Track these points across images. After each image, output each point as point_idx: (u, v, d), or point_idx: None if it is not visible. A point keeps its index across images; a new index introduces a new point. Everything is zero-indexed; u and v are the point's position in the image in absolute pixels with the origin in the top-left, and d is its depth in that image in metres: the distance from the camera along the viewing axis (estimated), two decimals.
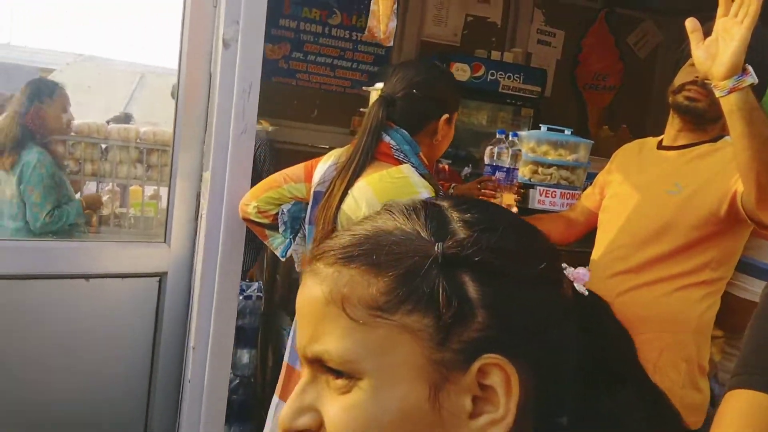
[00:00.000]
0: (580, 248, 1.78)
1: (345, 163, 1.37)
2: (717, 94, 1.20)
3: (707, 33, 1.22)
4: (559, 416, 0.48)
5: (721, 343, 1.62)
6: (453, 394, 0.44)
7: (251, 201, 1.54)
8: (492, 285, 0.45)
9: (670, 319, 1.45)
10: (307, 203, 1.49)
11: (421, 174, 1.34)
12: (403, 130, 1.40)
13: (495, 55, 3.74)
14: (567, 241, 1.86)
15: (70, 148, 2.89)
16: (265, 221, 1.54)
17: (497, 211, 0.52)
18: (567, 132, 2.18)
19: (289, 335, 1.53)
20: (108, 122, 3.08)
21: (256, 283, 2.10)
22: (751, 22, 1.15)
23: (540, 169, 2.16)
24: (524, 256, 0.48)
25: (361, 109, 3.28)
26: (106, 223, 3.04)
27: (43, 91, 2.58)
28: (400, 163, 1.36)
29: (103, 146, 3.01)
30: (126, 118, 3.26)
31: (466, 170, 2.96)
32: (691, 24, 1.23)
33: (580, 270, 0.52)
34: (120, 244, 2.14)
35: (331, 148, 1.54)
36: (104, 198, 3.06)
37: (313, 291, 0.47)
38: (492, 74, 3.63)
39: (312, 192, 1.47)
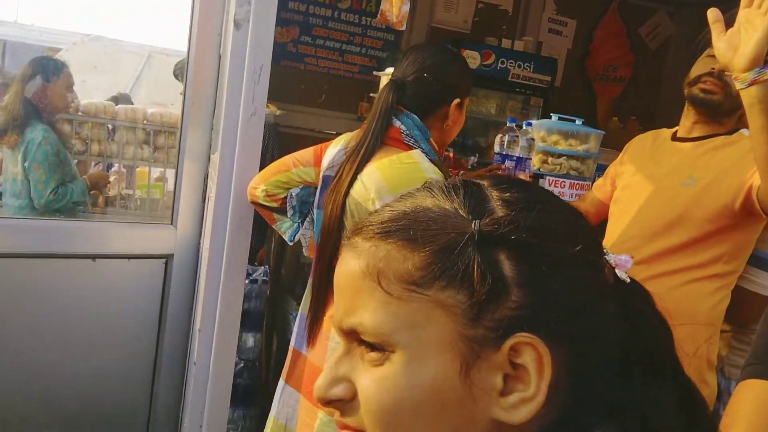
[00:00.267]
0: None
1: (354, 148, 1.35)
2: (737, 86, 1.18)
3: (729, 23, 1.20)
4: (591, 402, 0.47)
5: (728, 337, 1.61)
6: (484, 371, 0.45)
7: (260, 184, 1.52)
8: (528, 264, 0.45)
9: (680, 312, 1.44)
10: (316, 187, 1.48)
11: (431, 160, 1.33)
12: (414, 115, 1.38)
13: (506, 43, 3.70)
14: None
15: (77, 127, 2.88)
16: (274, 205, 1.53)
17: (537, 191, 0.51)
18: (578, 122, 2.15)
19: (295, 320, 1.52)
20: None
21: (263, 267, 2.09)
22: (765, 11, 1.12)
23: (550, 159, 2.14)
24: (562, 237, 0.47)
25: (370, 95, 3.26)
26: (112, 204, 3.04)
27: (48, 70, 2.57)
28: (411, 148, 1.34)
29: (110, 127, 3.00)
30: (124, 99, 3.23)
31: (472, 159, 2.94)
32: (713, 15, 1.21)
33: (623, 256, 0.51)
34: (127, 225, 2.13)
35: (338, 134, 1.53)
36: (111, 178, 3.05)
37: (350, 265, 0.48)
38: (502, 62, 3.59)
39: (321, 176, 1.45)
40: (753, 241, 1.48)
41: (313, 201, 1.49)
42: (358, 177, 1.32)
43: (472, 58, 3.53)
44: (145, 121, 3.04)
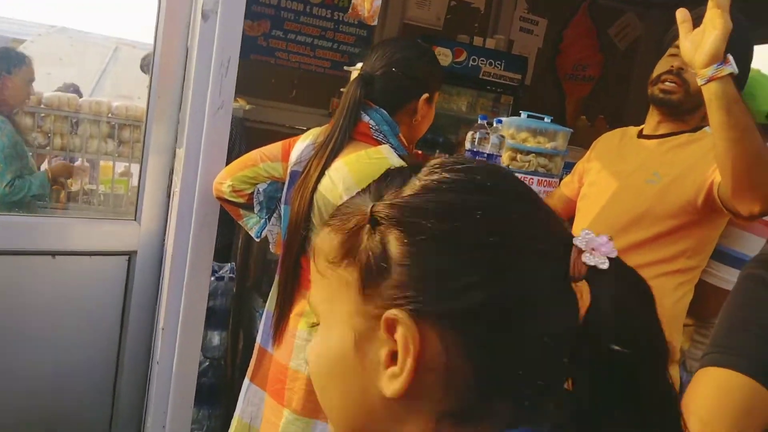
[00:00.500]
0: None
1: (322, 143, 1.33)
2: (698, 82, 1.20)
3: (697, 23, 1.22)
4: (514, 394, 0.46)
5: (690, 331, 1.63)
6: (374, 345, 0.47)
7: (226, 179, 1.49)
8: (412, 244, 0.46)
9: None
10: (284, 183, 1.45)
11: (400, 155, 1.31)
12: (383, 110, 1.36)
13: (477, 40, 3.72)
14: None
15: (39, 120, 2.79)
16: (240, 200, 1.50)
17: (476, 174, 0.49)
18: (547, 120, 2.17)
19: (261, 317, 1.50)
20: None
21: (229, 264, 2.05)
22: (722, 11, 1.16)
23: (518, 156, 2.15)
24: (466, 221, 0.46)
25: (342, 90, 3.24)
26: (74, 200, 2.96)
27: (9, 62, 2.49)
28: (379, 143, 1.33)
29: (74, 120, 2.91)
30: (71, 89, 3.14)
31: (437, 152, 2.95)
32: (681, 14, 1.24)
33: (599, 239, 0.48)
34: (88, 221, 2.07)
35: (308, 129, 1.51)
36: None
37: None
38: (474, 60, 3.61)
39: (289, 171, 1.43)
40: (716, 237, 1.50)
41: (281, 197, 1.47)
42: (326, 172, 1.30)
43: (444, 56, 3.53)
44: (110, 115, 2.95)
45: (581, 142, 2.51)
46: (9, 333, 1.78)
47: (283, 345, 1.36)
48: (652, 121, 1.57)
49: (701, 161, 1.37)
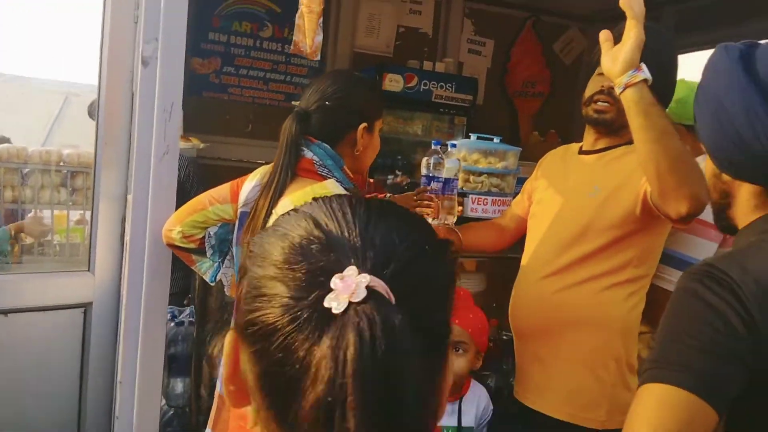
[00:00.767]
0: (513, 254, 1.81)
1: (266, 183, 1.34)
2: (616, 91, 1.26)
3: (618, 39, 1.28)
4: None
5: (647, 338, 1.66)
6: None
7: (175, 226, 1.48)
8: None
9: (597, 320, 1.49)
10: (235, 225, 1.45)
11: (346, 188, 1.32)
12: (325, 144, 1.37)
13: (427, 65, 3.78)
14: (500, 247, 1.89)
15: None
16: (192, 246, 1.48)
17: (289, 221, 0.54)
18: (496, 140, 2.21)
19: (220, 362, 1.47)
20: None
21: (189, 309, 2.02)
22: (636, 22, 1.22)
23: (471, 178, 2.19)
24: (260, 260, 0.52)
25: None
26: (29, 252, 2.88)
27: None
28: (324, 178, 1.33)
29: (24, 171, 2.85)
30: (2, 141, 3.08)
31: (391, 178, 2.97)
32: (603, 35, 1.30)
33: (357, 280, 0.45)
34: (41, 275, 2.02)
35: (267, 163, 1.50)
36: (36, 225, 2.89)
37: None
38: (425, 84, 3.67)
39: (238, 213, 1.43)
40: (661, 244, 1.54)
41: (233, 239, 1.46)
42: (273, 212, 1.30)
43: (396, 82, 3.58)
44: (61, 163, 2.90)
45: (535, 157, 2.55)
46: None
47: None
48: (590, 138, 1.62)
49: (636, 171, 1.40)
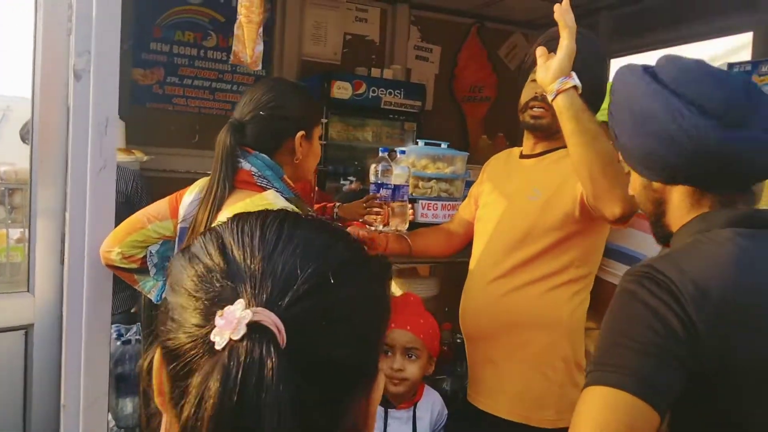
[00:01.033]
0: (464, 258, 1.82)
1: (204, 197, 1.31)
2: (549, 98, 1.30)
3: (553, 50, 1.32)
4: None
5: (595, 334, 1.69)
6: None
7: (114, 247, 1.42)
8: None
9: (543, 321, 1.51)
10: (176, 241, 1.41)
11: (287, 198, 1.30)
12: (263, 155, 1.35)
13: (375, 72, 3.80)
14: (450, 252, 1.90)
15: None
16: (133, 266, 1.42)
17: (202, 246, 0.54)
18: (443, 145, 2.23)
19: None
20: None
21: (135, 326, 1.96)
22: (568, 33, 1.28)
23: (420, 183, 2.20)
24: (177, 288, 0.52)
25: None
26: None
27: None
28: (263, 189, 1.31)
29: None
30: None
31: (346, 185, 2.97)
32: (539, 51, 1.37)
33: (240, 315, 0.44)
34: None
35: (207, 175, 1.46)
36: None
37: None
38: (373, 91, 3.68)
39: (178, 228, 1.39)
40: (602, 242, 1.57)
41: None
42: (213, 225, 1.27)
43: (344, 89, 3.58)
44: None
45: (485, 161, 2.59)
46: None
47: None
48: (529, 143, 1.65)
49: (573, 174, 1.44)
